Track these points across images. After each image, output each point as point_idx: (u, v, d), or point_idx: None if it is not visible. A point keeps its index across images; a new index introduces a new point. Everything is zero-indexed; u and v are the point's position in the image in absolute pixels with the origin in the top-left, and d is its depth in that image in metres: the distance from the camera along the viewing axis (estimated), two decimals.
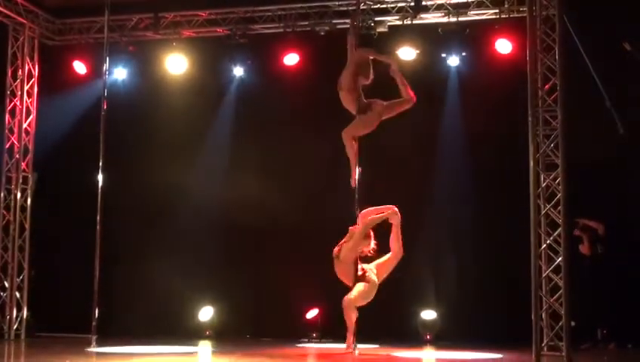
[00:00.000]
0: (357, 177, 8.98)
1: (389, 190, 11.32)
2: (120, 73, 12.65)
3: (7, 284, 11.58)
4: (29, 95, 12.10)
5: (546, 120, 9.35)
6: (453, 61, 11.75)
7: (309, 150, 11.85)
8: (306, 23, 11.82)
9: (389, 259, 8.95)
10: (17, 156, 11.85)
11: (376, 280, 8.81)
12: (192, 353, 9.74)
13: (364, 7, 11.36)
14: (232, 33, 11.98)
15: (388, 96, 8.97)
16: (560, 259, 9.01)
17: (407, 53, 11.56)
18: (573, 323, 9.05)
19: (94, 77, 12.11)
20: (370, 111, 8.83)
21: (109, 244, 10.60)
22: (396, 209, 8.91)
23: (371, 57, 8.93)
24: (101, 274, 10.18)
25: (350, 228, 8.80)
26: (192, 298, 12.36)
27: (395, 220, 8.90)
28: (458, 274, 11.58)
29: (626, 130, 10.31)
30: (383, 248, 9.02)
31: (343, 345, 8.98)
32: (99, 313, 10.13)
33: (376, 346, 10.14)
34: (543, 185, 9.19)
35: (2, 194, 11.77)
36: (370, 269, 8.88)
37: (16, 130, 11.92)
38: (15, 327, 11.54)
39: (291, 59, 12.10)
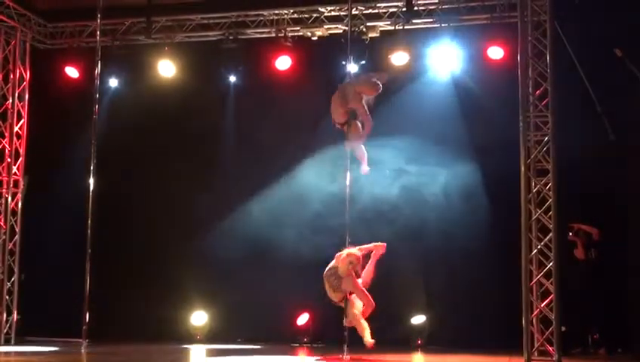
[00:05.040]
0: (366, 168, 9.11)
1: (380, 194, 11.39)
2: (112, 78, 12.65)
3: None
4: (21, 99, 12.08)
5: (537, 125, 9.38)
6: (444, 66, 11.77)
7: (302, 153, 11.87)
8: (298, 27, 11.84)
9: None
10: (9, 160, 11.82)
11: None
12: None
13: (356, 12, 11.37)
14: (224, 37, 11.99)
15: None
16: (551, 264, 9.02)
17: (399, 58, 11.57)
18: (563, 328, 9.08)
19: (86, 81, 12.05)
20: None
21: (100, 248, 10.60)
22: (385, 245, 8.95)
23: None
24: (92, 278, 10.16)
25: (336, 254, 8.77)
26: (185, 302, 12.35)
27: (379, 251, 8.92)
28: (449, 278, 11.58)
29: (616, 136, 10.37)
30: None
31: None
32: (90, 317, 10.11)
33: (367, 351, 10.12)
34: (534, 191, 9.22)
35: None
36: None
37: (7, 133, 11.89)
38: (5, 331, 11.50)
39: (283, 63, 12.11)
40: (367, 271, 8.89)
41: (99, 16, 10.70)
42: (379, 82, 8.94)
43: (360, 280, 8.79)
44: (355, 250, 8.71)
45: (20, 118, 12.05)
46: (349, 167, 9.18)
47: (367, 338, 8.53)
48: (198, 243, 12.27)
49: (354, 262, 8.59)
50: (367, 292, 8.68)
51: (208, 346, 11.52)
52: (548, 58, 9.40)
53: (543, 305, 9.05)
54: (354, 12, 11.17)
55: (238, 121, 12.59)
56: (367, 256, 8.91)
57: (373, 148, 9.68)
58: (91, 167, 10.37)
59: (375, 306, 8.68)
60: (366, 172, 9.18)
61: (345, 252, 8.66)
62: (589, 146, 10.29)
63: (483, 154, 11.45)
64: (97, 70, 10.71)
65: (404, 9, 11.18)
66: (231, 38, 11.96)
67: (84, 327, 10.06)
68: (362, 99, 8.94)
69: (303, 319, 11.93)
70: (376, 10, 11.52)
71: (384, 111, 9.82)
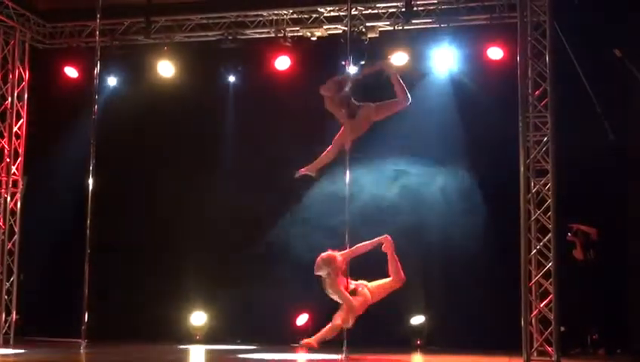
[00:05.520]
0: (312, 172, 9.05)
1: (379, 196, 11.40)
2: (111, 78, 12.64)
3: None
4: (20, 99, 12.07)
5: (537, 125, 9.38)
6: (443, 66, 11.76)
7: (301, 155, 11.85)
8: (298, 28, 11.84)
9: (388, 283, 8.82)
10: (8, 160, 11.81)
11: (368, 294, 8.75)
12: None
13: (356, 12, 11.37)
14: (223, 37, 11.99)
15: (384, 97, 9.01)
16: (550, 264, 9.03)
17: (398, 58, 11.56)
18: (562, 329, 9.08)
19: (85, 81, 12.04)
20: (358, 115, 8.84)
21: (100, 248, 10.59)
22: (389, 237, 8.83)
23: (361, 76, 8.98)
24: (92, 278, 10.16)
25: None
26: (184, 303, 12.34)
27: (388, 246, 8.79)
28: (448, 278, 11.57)
29: (616, 136, 10.36)
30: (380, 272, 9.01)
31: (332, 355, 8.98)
32: (89, 317, 10.11)
33: (366, 352, 10.13)
34: (534, 191, 9.22)
35: None
36: (364, 285, 8.80)
37: (6, 133, 11.88)
38: (4, 331, 11.49)
39: (283, 63, 12.11)
40: (393, 270, 8.75)
41: (98, 16, 10.68)
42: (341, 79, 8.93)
43: (372, 287, 8.74)
44: (330, 253, 8.54)
45: (19, 118, 12.04)
46: (348, 166, 9.16)
47: (312, 338, 8.50)
48: (198, 242, 12.28)
49: (322, 266, 8.43)
50: (350, 298, 8.53)
51: (208, 346, 11.51)
52: (547, 58, 9.40)
53: (542, 306, 9.05)
54: (353, 12, 11.16)
55: (238, 121, 12.58)
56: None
57: (373, 147, 9.71)
58: (90, 167, 10.36)
59: (358, 312, 8.61)
60: (301, 173, 9.09)
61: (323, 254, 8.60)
62: (589, 146, 10.29)
63: (482, 154, 11.44)
64: (96, 70, 10.70)
65: (404, 9, 11.17)
66: (230, 38, 11.95)
67: (83, 327, 10.05)
68: (333, 102, 8.85)
69: (302, 319, 11.92)
70: (375, 11, 11.51)
71: None
